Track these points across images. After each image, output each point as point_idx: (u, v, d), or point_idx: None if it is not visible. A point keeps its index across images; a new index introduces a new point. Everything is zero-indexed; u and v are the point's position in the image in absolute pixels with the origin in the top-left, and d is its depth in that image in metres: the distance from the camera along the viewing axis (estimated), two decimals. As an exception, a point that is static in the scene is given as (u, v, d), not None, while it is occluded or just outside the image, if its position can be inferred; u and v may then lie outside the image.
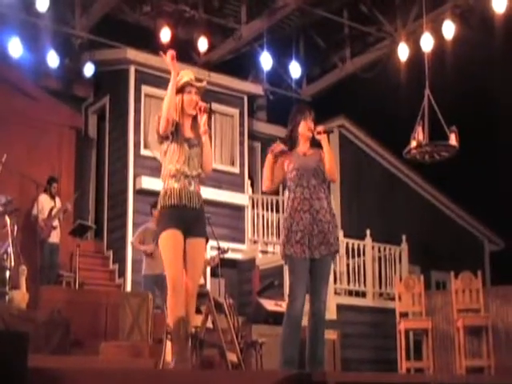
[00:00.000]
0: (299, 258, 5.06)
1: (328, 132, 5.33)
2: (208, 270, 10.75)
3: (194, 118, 4.95)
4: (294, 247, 5.08)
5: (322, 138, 5.24)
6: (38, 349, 6.52)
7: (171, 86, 4.81)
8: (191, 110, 4.90)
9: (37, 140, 11.84)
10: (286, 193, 5.31)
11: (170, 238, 4.69)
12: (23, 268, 8.27)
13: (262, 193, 13.97)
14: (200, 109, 4.91)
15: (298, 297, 5.04)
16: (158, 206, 4.84)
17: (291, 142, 5.31)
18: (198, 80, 5.05)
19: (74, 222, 11.04)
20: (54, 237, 10.62)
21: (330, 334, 8.15)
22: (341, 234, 12.04)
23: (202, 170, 4.92)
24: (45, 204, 10.67)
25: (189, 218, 4.76)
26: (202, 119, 4.89)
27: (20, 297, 7.89)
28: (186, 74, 4.99)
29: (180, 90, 4.89)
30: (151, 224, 9.60)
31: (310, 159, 5.25)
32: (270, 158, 5.25)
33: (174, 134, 4.81)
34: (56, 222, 10.66)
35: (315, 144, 5.36)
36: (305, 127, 5.27)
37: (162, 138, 4.85)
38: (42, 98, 12.21)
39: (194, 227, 4.79)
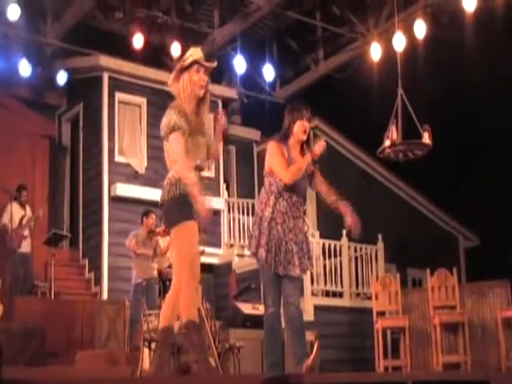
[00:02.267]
0: (268, 266, 4.99)
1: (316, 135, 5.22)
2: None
3: (199, 102, 4.63)
4: (264, 255, 4.98)
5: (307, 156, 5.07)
6: (12, 360, 6.49)
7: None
8: (199, 90, 4.58)
9: (9, 149, 11.76)
10: (268, 190, 5.12)
11: (196, 232, 4.50)
12: (-3, 279, 8.22)
13: (238, 196, 14.01)
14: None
15: (271, 304, 5.02)
16: (176, 192, 4.47)
17: (285, 139, 5.14)
18: (208, 60, 4.71)
19: (49, 231, 10.96)
20: (25, 247, 10.51)
21: (308, 336, 8.17)
22: (317, 234, 12.11)
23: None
24: (14, 213, 10.51)
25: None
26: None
27: (-7, 308, 7.84)
28: (195, 52, 4.64)
29: (186, 67, 4.58)
30: (141, 231, 9.60)
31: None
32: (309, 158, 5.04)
33: (187, 124, 4.51)
34: (26, 232, 10.54)
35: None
36: (300, 128, 5.08)
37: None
38: (14, 106, 12.14)
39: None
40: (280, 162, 5.04)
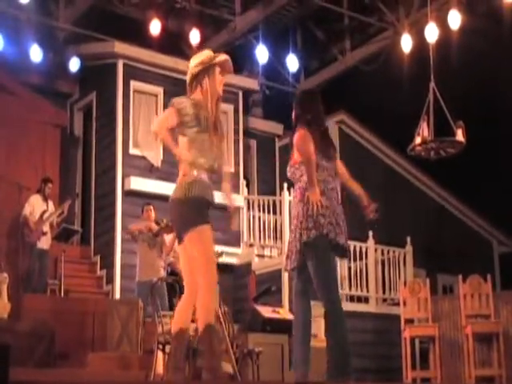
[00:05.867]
0: (290, 269, 5.27)
1: None
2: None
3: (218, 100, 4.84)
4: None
5: None
6: (20, 362, 6.47)
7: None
8: (220, 90, 4.81)
9: (18, 140, 11.77)
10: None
11: (212, 237, 4.69)
12: (4, 276, 8.22)
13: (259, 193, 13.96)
14: None
15: (293, 301, 5.28)
16: (192, 194, 4.64)
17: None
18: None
19: (59, 226, 10.98)
20: (44, 243, 10.49)
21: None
22: (342, 236, 12.02)
23: None
24: (36, 206, 10.55)
25: None
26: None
27: (1, 306, 7.84)
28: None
29: (214, 65, 4.75)
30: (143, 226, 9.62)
31: None
32: None
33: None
34: (46, 227, 10.53)
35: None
36: None
37: None
38: (24, 94, 12.15)
39: None
40: None
